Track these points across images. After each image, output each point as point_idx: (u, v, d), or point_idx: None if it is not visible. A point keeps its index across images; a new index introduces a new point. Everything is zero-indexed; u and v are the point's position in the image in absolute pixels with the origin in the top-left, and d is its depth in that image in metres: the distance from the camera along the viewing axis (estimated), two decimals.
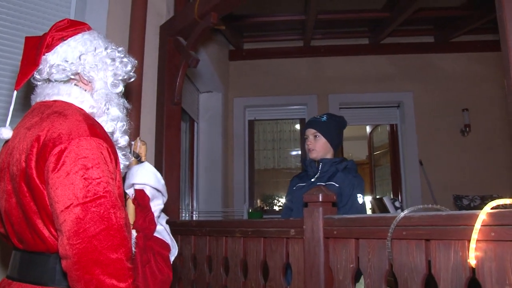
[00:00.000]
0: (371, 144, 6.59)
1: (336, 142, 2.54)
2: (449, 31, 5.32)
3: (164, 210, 2.73)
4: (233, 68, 5.84)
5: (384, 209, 3.07)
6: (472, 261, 1.16)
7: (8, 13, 2.52)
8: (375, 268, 1.47)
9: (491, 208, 1.15)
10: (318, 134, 2.52)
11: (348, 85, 5.60)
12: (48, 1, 2.66)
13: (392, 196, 5.52)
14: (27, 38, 1.37)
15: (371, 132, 6.58)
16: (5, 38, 2.47)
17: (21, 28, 2.52)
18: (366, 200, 2.43)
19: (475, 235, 1.15)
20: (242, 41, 5.74)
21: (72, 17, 2.72)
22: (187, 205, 4.91)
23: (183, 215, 4.78)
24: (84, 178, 1.07)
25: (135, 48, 2.80)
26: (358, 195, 2.36)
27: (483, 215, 1.15)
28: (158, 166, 2.88)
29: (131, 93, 2.73)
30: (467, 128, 5.28)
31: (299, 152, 5.97)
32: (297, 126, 6.09)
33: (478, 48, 5.46)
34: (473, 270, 1.19)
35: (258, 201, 6.16)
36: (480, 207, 1.16)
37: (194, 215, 4.98)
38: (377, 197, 4.74)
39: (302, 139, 2.54)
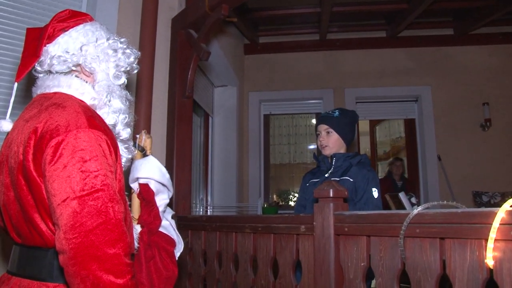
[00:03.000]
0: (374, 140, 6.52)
1: (349, 137, 2.48)
2: (468, 23, 5.17)
3: (174, 205, 2.71)
4: (248, 62, 5.79)
5: (399, 205, 2.99)
6: (489, 262, 1.11)
7: (20, 7, 2.51)
8: (387, 267, 1.41)
9: (511, 206, 1.09)
10: (331, 130, 2.46)
11: (364, 79, 5.50)
12: None
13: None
14: (28, 30, 1.34)
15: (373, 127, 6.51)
16: (12, 31, 2.46)
17: (32, 22, 2.51)
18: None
19: (493, 234, 1.09)
20: (257, 35, 5.69)
21: (83, 10, 2.70)
22: (202, 199, 4.89)
23: (197, 209, 4.76)
24: (82, 171, 1.04)
25: (146, 41, 2.78)
26: (373, 189, 2.30)
27: (502, 213, 1.09)
28: (169, 160, 2.85)
29: (142, 86, 2.71)
30: (488, 123, 5.14)
31: (315, 147, 5.91)
32: (313, 121, 6.02)
33: (499, 40, 5.31)
34: (490, 271, 1.13)
35: (274, 196, 6.12)
36: (500, 204, 1.10)
37: (208, 210, 4.97)
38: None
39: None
